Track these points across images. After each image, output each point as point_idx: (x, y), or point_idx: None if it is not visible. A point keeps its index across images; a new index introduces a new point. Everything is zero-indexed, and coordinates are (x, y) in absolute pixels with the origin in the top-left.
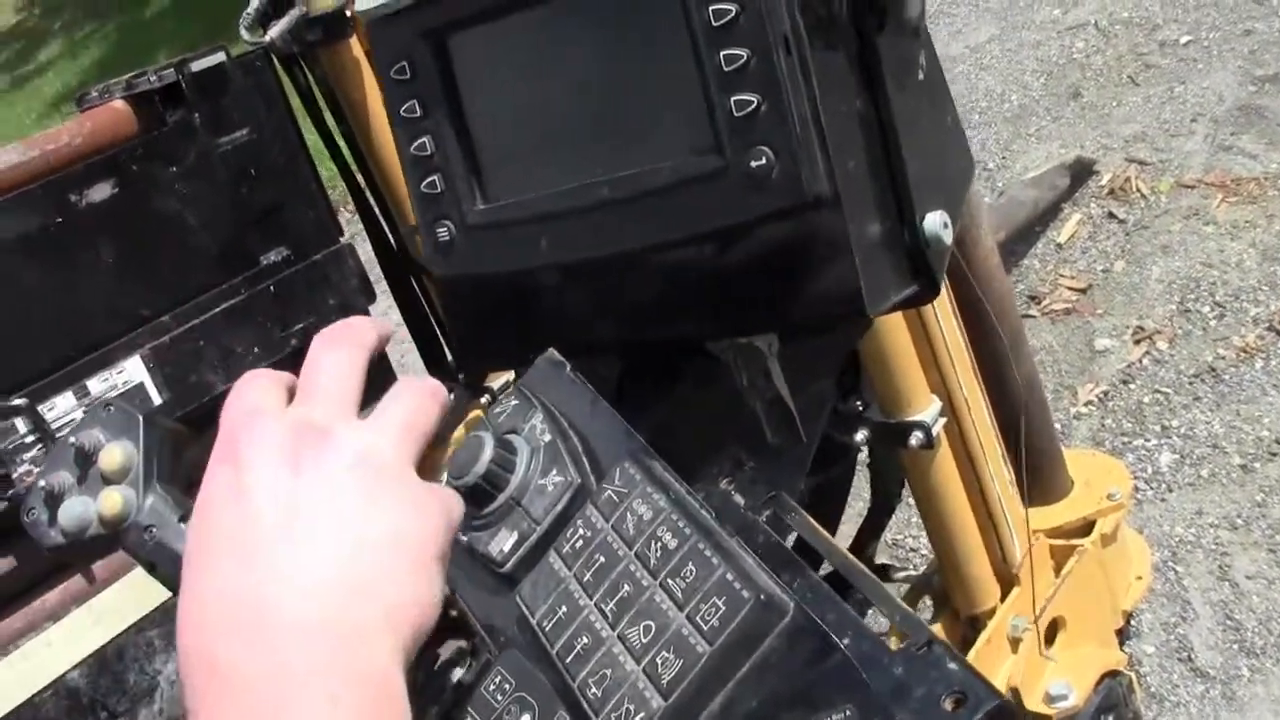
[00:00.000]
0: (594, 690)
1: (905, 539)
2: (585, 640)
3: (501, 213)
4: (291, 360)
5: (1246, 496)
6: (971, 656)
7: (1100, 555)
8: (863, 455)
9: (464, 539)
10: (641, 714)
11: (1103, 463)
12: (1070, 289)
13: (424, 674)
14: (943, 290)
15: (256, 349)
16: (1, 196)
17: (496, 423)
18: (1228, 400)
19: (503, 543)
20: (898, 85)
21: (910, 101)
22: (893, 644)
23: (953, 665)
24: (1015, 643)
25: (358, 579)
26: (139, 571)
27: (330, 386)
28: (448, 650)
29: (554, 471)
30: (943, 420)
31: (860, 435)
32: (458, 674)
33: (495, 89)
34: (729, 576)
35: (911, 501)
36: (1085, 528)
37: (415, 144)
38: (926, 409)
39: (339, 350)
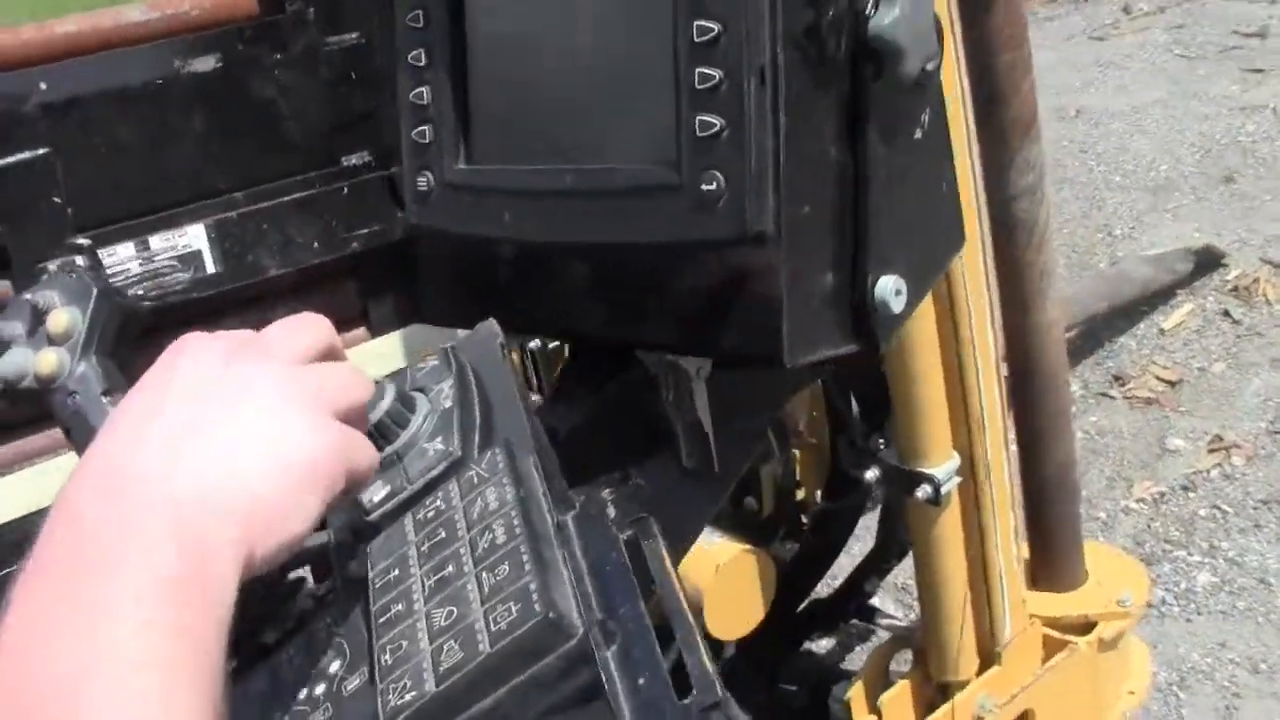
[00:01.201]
0: (387, 657)
1: (915, 585)
2: (399, 608)
3: (478, 176)
4: (350, 262)
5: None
6: None
7: (1094, 658)
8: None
9: None
10: (413, 693)
11: (1125, 565)
12: (1159, 379)
13: (265, 591)
14: (990, 350)
15: (316, 244)
16: (116, 50)
17: (414, 377)
18: None
19: (375, 493)
20: (885, 138)
21: (898, 158)
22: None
23: None
24: None
25: (234, 476)
26: None
27: (282, 337)
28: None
29: (439, 438)
30: (957, 480)
31: (870, 474)
32: (304, 604)
33: (500, 54)
34: (531, 586)
35: None
36: (1086, 626)
37: (414, 92)
38: (942, 465)
39: (297, 326)
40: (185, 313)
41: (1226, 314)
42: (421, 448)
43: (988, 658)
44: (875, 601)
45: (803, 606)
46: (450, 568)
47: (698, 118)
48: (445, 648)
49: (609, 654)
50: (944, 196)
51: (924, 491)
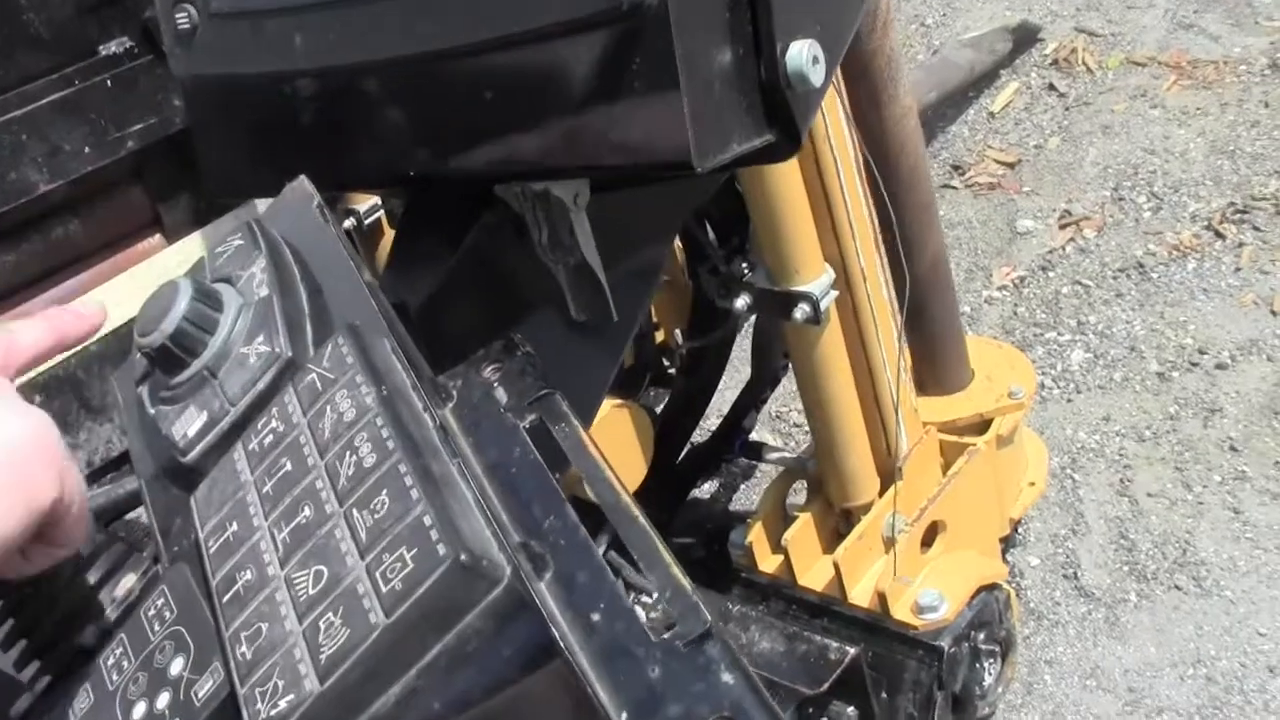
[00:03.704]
0: (244, 649)
1: (790, 411)
2: (248, 576)
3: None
4: (131, 164)
5: (1160, 407)
6: (841, 553)
7: (993, 457)
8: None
9: (150, 412)
10: (289, 697)
11: (1008, 355)
12: (998, 162)
13: (71, 577)
14: (849, 148)
15: (88, 148)
16: None
17: (214, 266)
18: (1152, 301)
19: (189, 424)
20: None
21: None
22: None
23: (728, 676)
24: (889, 543)
25: None
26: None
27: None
28: (116, 557)
29: (260, 338)
30: (834, 294)
31: (741, 302)
32: (127, 583)
33: None
34: (426, 521)
35: None
36: (981, 425)
37: None
38: (816, 279)
39: (33, 322)
40: None
41: (1052, 88)
42: (239, 354)
43: (888, 475)
44: (754, 436)
45: (683, 454)
46: (307, 511)
47: None
48: (323, 625)
49: (542, 585)
50: None
51: (802, 311)
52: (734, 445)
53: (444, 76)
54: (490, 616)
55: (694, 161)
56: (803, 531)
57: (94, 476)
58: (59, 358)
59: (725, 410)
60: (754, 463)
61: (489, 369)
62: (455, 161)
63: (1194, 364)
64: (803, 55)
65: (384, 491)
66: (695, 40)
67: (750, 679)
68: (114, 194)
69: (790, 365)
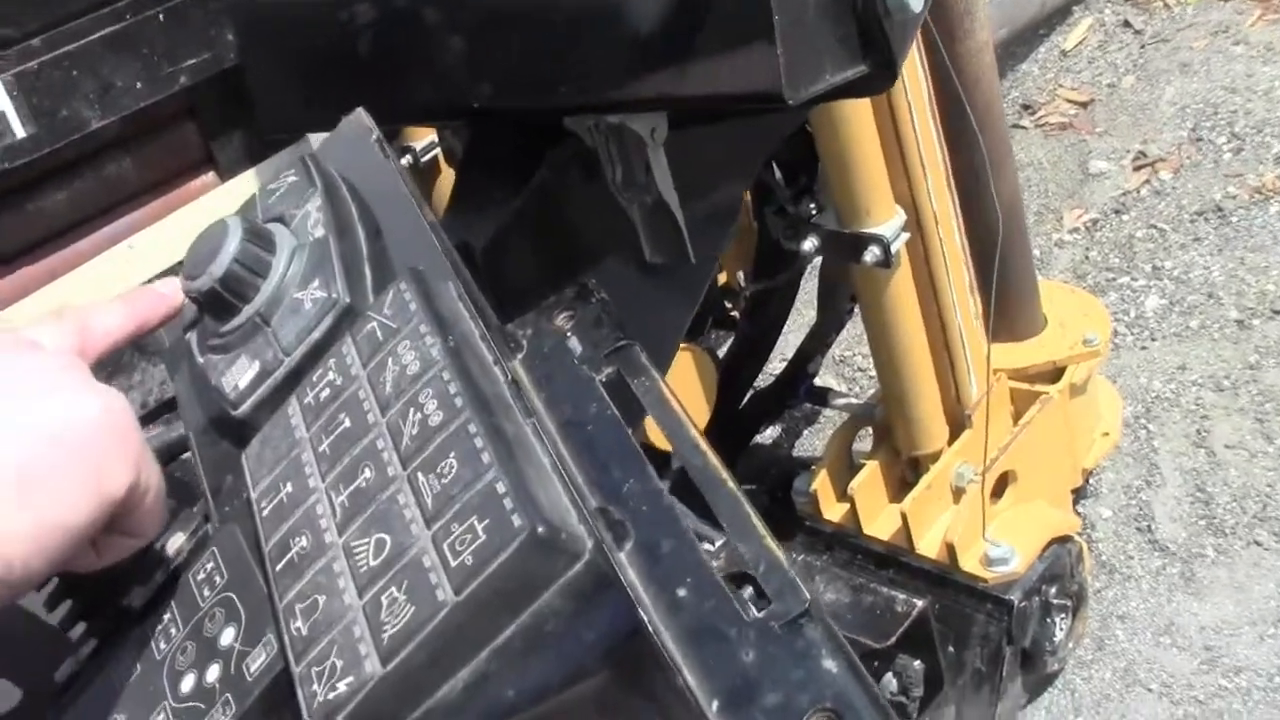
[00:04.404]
0: (299, 623)
1: (855, 356)
2: (303, 542)
3: None
4: (183, 100)
5: (1239, 356)
6: (908, 502)
7: (1066, 406)
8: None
9: (199, 361)
10: (348, 679)
11: (1082, 301)
12: (1070, 101)
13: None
14: (922, 85)
15: (139, 84)
16: None
17: (266, 206)
18: (1232, 245)
19: (240, 375)
20: None
21: None
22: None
23: (831, 663)
24: (958, 493)
25: None
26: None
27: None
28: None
29: (316, 282)
30: (905, 236)
31: (809, 244)
32: (176, 542)
33: None
34: (499, 488)
35: None
36: (1054, 373)
37: None
38: (888, 221)
39: (111, 304)
40: None
41: (1127, 24)
42: (293, 300)
43: (957, 424)
44: (818, 381)
45: (746, 399)
46: (368, 472)
47: None
48: (385, 601)
49: (622, 556)
50: None
51: (872, 254)
52: (798, 390)
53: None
54: (570, 595)
55: (785, 93)
56: (869, 480)
57: (147, 419)
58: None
59: (789, 354)
60: (818, 408)
61: (561, 317)
62: (525, 92)
63: (1276, 311)
64: None
65: (451, 454)
66: None
67: (855, 667)
68: (166, 131)
69: (857, 309)
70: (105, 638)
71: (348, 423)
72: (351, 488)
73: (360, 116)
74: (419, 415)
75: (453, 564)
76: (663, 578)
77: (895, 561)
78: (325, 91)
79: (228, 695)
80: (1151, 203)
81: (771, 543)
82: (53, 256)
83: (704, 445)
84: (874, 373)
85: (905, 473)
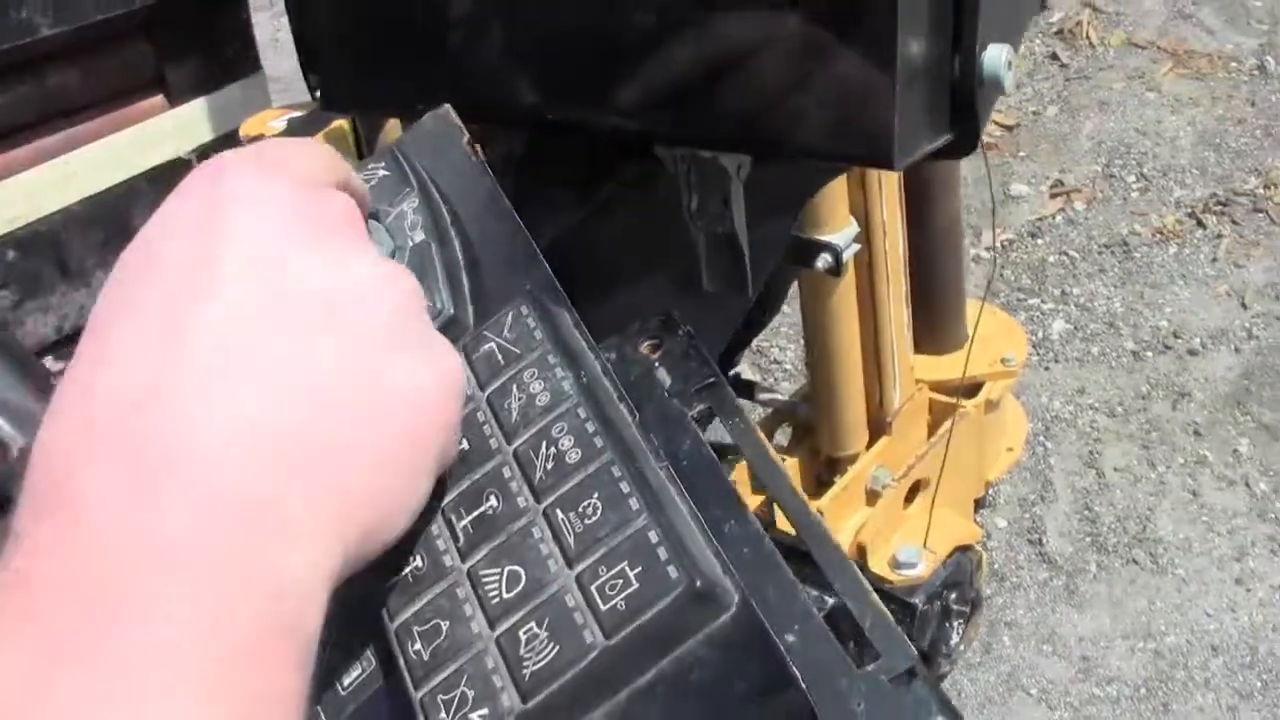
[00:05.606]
0: (417, 645)
1: (771, 348)
2: (418, 562)
3: None
4: (142, 18)
5: (1132, 385)
6: (825, 501)
7: (980, 420)
8: None
9: None
10: (482, 711)
11: (1002, 322)
12: (996, 123)
13: None
14: None
15: None
16: None
17: None
18: (1133, 279)
19: None
20: None
21: None
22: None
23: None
24: (873, 495)
25: (318, 437)
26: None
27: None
28: None
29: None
30: (856, 247)
31: None
32: None
33: None
34: (652, 537)
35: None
36: (971, 388)
37: None
38: (842, 230)
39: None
40: None
41: (1055, 57)
42: None
43: (878, 429)
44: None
45: None
46: (493, 500)
47: None
48: (525, 637)
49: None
50: None
51: (824, 261)
52: None
53: (644, 22)
54: (716, 644)
55: (894, 160)
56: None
57: (63, 344)
58: (39, 214)
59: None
60: (741, 401)
61: (645, 345)
62: (629, 113)
63: (1167, 346)
64: (1000, 58)
65: (594, 495)
66: (910, 31)
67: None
68: (119, 48)
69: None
70: None
71: (467, 443)
72: (476, 513)
73: (448, 114)
74: (553, 450)
75: (603, 608)
76: (773, 625)
77: (806, 557)
78: (398, 71)
79: (316, 709)
80: (1064, 230)
81: (876, 598)
82: None
83: (805, 498)
84: (788, 366)
85: (821, 472)
